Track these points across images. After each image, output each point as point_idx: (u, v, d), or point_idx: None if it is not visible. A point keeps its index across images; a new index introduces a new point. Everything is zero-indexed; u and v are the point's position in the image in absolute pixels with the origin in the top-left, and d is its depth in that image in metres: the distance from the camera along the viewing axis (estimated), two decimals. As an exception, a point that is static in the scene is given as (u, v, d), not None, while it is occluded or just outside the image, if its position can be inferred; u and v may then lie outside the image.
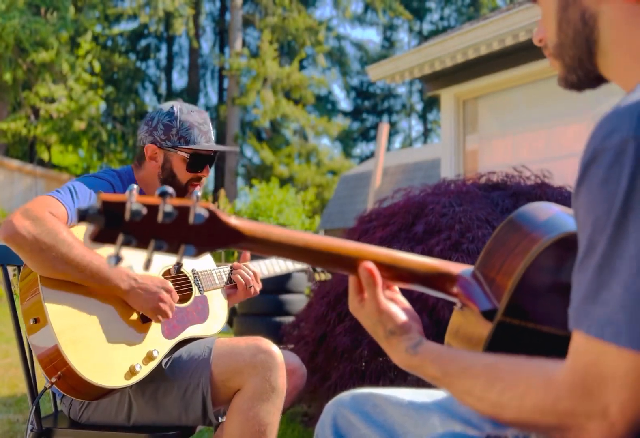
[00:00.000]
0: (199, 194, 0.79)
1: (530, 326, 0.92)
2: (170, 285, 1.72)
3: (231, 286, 2.02)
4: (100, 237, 0.76)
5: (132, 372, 1.63)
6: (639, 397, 0.70)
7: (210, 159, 1.93)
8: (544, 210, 0.98)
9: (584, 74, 0.91)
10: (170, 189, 0.76)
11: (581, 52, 0.89)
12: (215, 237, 0.82)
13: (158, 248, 0.78)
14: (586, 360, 0.72)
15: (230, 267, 2.02)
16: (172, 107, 1.89)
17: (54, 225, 1.58)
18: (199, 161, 1.90)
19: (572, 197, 0.77)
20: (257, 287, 2.02)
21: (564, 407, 0.73)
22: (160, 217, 0.76)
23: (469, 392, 0.84)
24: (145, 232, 0.77)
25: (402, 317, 0.97)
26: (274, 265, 2.18)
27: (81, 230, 1.69)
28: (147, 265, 0.77)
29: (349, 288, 0.99)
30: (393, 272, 0.96)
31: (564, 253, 0.89)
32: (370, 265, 0.94)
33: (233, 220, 0.84)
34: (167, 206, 0.76)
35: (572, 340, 0.75)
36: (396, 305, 0.99)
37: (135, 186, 0.75)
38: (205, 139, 1.91)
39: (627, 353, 0.69)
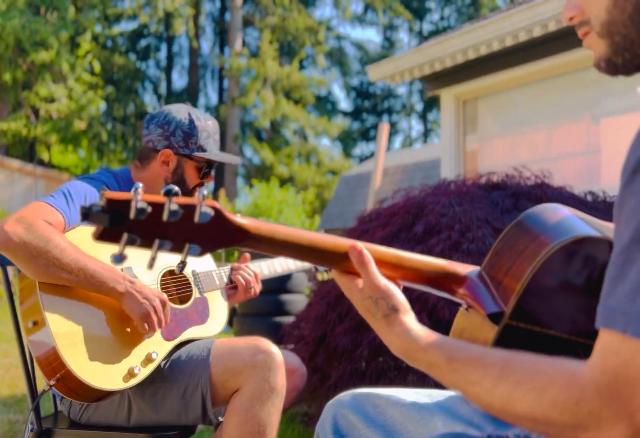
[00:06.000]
0: (205, 192, 0.77)
1: (537, 330, 0.91)
2: (165, 297, 1.69)
3: (231, 287, 2.03)
4: (104, 236, 0.74)
5: (130, 374, 1.63)
6: None
7: (217, 166, 1.99)
8: (552, 212, 0.96)
9: (630, 57, 0.84)
10: (175, 188, 0.75)
11: (636, 32, 0.82)
12: (221, 236, 0.81)
13: (162, 247, 0.76)
14: (618, 360, 0.67)
15: (231, 268, 2.02)
16: (189, 114, 1.91)
17: (45, 231, 1.57)
18: (209, 169, 1.96)
19: (623, 184, 0.70)
20: (257, 288, 2.03)
21: (588, 407, 0.68)
22: (165, 216, 0.75)
23: (477, 382, 0.78)
24: (150, 230, 0.76)
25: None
26: (275, 265, 2.18)
27: (78, 234, 1.69)
28: (151, 264, 0.76)
29: (335, 276, 0.94)
30: (399, 272, 0.95)
31: (573, 258, 0.88)
32: (358, 244, 0.90)
33: (239, 219, 0.83)
34: (173, 205, 0.75)
35: (599, 339, 0.71)
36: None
37: (140, 184, 0.73)
38: (216, 148, 1.97)
39: None
